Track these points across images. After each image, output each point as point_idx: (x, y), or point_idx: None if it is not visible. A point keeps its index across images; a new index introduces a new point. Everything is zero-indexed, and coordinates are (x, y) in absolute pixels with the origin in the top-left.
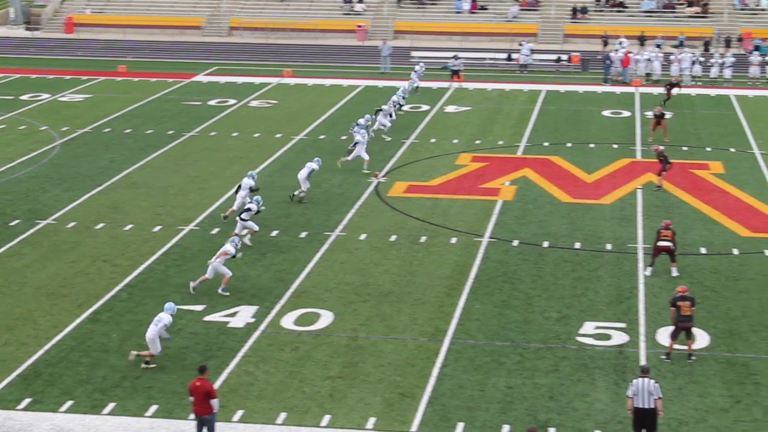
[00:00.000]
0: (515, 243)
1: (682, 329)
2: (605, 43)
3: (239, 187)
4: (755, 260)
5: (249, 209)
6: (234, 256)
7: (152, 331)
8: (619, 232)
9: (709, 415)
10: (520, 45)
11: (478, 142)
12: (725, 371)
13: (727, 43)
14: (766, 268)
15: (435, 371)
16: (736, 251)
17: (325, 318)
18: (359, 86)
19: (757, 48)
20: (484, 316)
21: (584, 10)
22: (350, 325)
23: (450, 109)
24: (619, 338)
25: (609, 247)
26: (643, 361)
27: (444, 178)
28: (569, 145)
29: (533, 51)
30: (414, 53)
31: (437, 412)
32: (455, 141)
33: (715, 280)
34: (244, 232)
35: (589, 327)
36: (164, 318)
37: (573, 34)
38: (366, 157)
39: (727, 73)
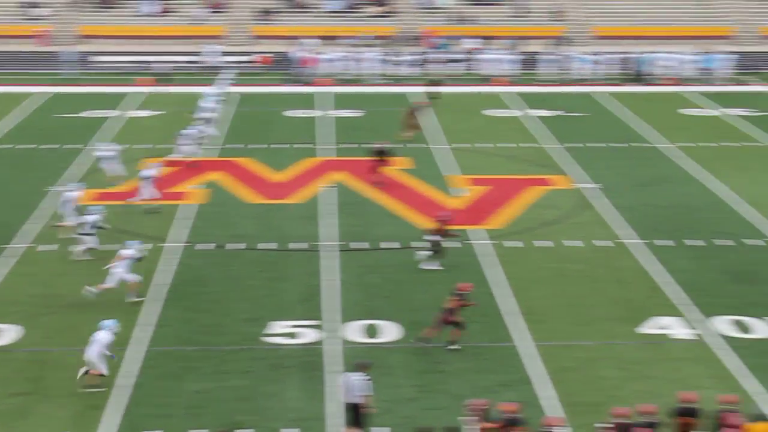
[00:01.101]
0: (205, 246)
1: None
2: (294, 44)
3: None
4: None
5: (86, 222)
6: (139, 259)
7: (93, 352)
8: (308, 231)
9: (398, 405)
10: (208, 48)
11: (166, 146)
12: (413, 362)
13: (411, 42)
14: (449, 260)
15: (125, 381)
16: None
17: (9, 333)
18: (45, 93)
19: (439, 46)
20: (175, 322)
21: (269, 12)
22: (37, 339)
23: (143, 113)
24: (309, 336)
25: (297, 246)
26: (331, 357)
27: (134, 183)
28: (257, 146)
29: (222, 54)
30: (99, 58)
31: (128, 422)
32: (144, 146)
33: (404, 273)
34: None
35: (279, 326)
36: (103, 336)
37: (261, 35)
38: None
39: (412, 70)
